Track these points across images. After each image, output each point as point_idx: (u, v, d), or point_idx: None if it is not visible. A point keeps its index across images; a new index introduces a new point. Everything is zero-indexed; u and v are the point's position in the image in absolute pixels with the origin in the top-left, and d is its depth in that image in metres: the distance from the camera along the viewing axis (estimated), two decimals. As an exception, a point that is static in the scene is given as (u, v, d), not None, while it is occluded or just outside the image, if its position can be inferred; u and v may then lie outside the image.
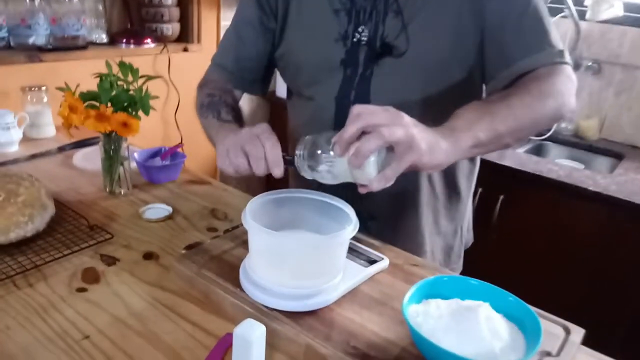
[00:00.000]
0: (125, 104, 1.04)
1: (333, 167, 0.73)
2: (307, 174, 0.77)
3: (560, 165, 1.68)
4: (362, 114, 0.67)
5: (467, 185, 1.06)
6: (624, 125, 2.03)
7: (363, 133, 0.67)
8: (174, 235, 0.96)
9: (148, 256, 0.89)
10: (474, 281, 0.72)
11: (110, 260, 0.86)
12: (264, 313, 0.71)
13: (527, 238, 1.69)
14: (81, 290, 0.78)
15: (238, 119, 0.96)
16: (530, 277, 1.69)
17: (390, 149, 0.68)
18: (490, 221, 1.67)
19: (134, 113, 1.04)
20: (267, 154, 0.75)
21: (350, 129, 0.67)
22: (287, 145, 1.17)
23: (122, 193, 1.11)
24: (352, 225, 0.73)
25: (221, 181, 1.23)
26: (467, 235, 1.13)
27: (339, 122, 0.96)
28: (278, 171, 0.75)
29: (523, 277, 1.70)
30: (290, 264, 0.72)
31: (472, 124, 0.74)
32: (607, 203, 1.48)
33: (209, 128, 0.96)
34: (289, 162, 0.77)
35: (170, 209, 1.04)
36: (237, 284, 0.76)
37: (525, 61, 0.84)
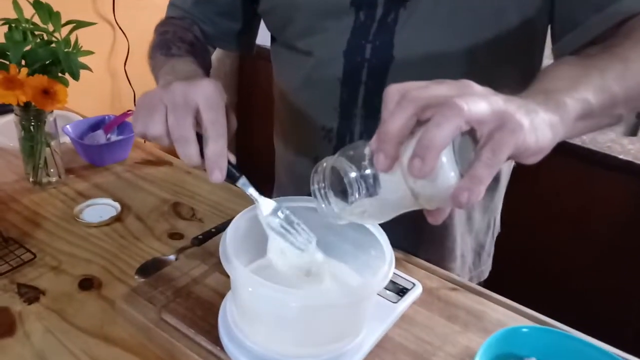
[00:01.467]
0: (47, 63, 0.75)
1: (380, 194, 0.43)
2: (340, 218, 0.48)
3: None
4: (408, 92, 0.40)
5: (508, 166, 0.83)
6: None
7: (417, 124, 0.40)
8: (123, 247, 0.71)
9: (86, 284, 0.63)
10: (573, 338, 0.50)
11: (32, 295, 0.61)
12: (258, 392, 0.48)
13: (539, 213, 1.49)
14: (-16, 351, 0.53)
15: (195, 55, 0.70)
16: (539, 257, 1.51)
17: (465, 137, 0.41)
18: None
19: (60, 75, 0.76)
20: (207, 150, 0.49)
21: (396, 118, 0.39)
22: (274, 120, 0.91)
23: (52, 182, 0.83)
24: (386, 265, 0.48)
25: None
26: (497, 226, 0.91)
27: (350, 90, 0.70)
28: (218, 175, 0.50)
29: (531, 256, 1.52)
30: (295, 327, 0.48)
31: (576, 82, 0.47)
32: (638, 175, 1.28)
33: (154, 70, 0.69)
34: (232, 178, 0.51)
35: (117, 205, 0.78)
36: (216, 338, 0.52)
37: (627, 1, 0.57)
